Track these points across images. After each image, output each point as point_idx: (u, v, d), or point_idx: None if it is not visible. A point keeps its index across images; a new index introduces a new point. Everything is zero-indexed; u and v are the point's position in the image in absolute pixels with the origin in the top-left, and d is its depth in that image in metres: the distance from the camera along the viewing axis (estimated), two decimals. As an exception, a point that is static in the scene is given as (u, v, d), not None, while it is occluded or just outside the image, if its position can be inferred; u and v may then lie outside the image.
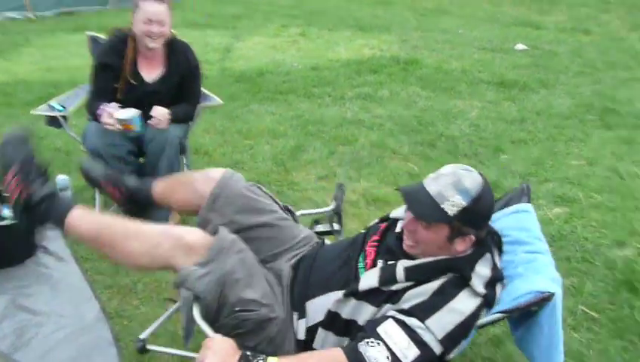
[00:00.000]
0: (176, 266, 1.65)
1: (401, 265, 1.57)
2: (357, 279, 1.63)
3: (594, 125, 4.31)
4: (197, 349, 2.04)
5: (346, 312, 1.60)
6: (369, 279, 1.58)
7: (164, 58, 2.87)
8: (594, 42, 7.25)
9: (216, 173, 1.93)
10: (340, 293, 1.61)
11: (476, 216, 1.53)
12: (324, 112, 4.70)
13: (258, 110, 4.83)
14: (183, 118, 2.91)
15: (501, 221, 1.83)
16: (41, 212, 1.77)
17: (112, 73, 2.79)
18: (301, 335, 1.69)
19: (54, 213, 1.77)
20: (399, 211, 1.82)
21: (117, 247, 1.69)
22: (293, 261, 1.86)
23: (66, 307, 2.39)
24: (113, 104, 2.73)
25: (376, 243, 1.73)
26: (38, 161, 1.83)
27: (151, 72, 2.86)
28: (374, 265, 1.65)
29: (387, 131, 4.25)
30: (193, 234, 1.67)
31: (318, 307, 1.68)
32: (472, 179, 1.52)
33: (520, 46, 6.91)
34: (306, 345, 1.69)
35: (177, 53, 2.88)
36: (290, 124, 4.46)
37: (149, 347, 1.63)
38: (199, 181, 1.92)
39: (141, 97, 2.81)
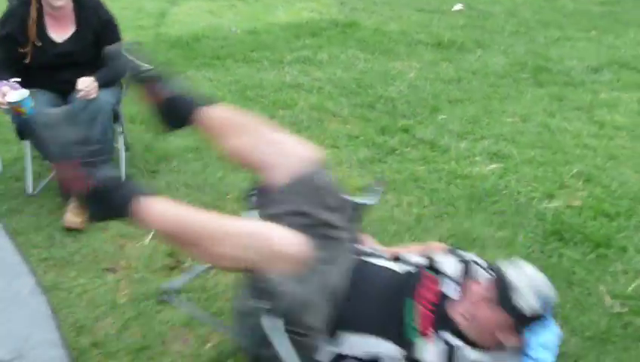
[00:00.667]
0: (261, 272, 1.47)
1: (467, 355, 1.51)
2: (401, 335, 1.55)
3: (527, 83, 4.44)
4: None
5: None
6: (430, 355, 1.51)
7: (74, 16, 2.74)
8: (528, 2, 7.40)
9: (310, 152, 1.73)
10: (387, 344, 1.56)
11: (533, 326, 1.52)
12: (263, 77, 4.64)
13: (195, 76, 4.72)
14: (111, 79, 2.79)
15: None
16: (106, 202, 1.58)
17: (17, 40, 2.65)
18: (324, 358, 1.60)
19: (120, 200, 1.56)
20: (448, 265, 1.72)
21: (201, 248, 1.51)
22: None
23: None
24: (9, 82, 2.57)
25: (431, 307, 1.62)
26: (87, 138, 1.64)
27: (61, 32, 2.73)
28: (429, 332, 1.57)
29: (326, 94, 4.24)
30: (285, 241, 1.46)
31: (354, 343, 1.60)
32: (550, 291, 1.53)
33: (457, 6, 6.98)
34: None
35: (87, 9, 2.76)
36: (229, 90, 4.38)
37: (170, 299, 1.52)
38: (287, 146, 1.73)
39: (54, 60, 2.70)
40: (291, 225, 1.55)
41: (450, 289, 1.66)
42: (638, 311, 2.12)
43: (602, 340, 2.00)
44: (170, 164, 3.27)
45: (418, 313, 1.61)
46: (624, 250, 2.45)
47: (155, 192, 1.60)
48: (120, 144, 3.15)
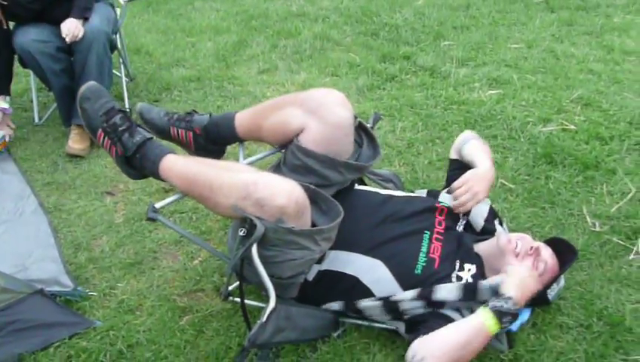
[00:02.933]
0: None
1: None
2: (410, 271, 1.66)
3: (538, 8, 4.30)
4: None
5: (370, 282, 1.68)
6: (449, 293, 1.61)
7: None
8: None
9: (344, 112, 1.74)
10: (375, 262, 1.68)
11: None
12: (269, 6, 4.60)
13: (202, 7, 4.71)
14: (88, 4, 2.76)
15: None
16: (137, 162, 1.71)
17: None
18: (311, 276, 1.71)
19: (148, 163, 1.69)
20: (477, 213, 1.86)
21: (205, 201, 1.62)
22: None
23: (7, 204, 2.46)
24: None
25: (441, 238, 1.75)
26: (118, 109, 1.73)
27: None
28: (447, 266, 1.69)
29: (331, 23, 4.20)
30: (283, 197, 1.48)
31: (342, 261, 1.70)
32: None
33: None
34: (311, 287, 1.71)
35: None
36: (235, 20, 4.37)
37: (160, 218, 1.62)
38: (305, 103, 1.75)
39: (29, 6, 2.70)
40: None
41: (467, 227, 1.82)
42: (619, 230, 2.14)
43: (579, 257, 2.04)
44: (172, 94, 3.33)
45: (430, 243, 1.72)
46: (613, 172, 2.45)
47: (172, 151, 1.71)
48: (122, 73, 3.21)
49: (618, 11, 4.14)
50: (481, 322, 1.49)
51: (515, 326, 1.73)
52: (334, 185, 1.78)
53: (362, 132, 1.87)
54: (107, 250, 2.19)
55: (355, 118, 1.81)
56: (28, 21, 2.74)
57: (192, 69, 3.62)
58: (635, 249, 2.05)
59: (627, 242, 2.09)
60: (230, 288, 1.87)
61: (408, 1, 4.52)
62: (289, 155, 1.78)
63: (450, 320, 1.57)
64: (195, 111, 1.95)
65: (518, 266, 1.63)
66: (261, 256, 1.50)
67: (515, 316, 1.51)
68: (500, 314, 1.49)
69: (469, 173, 1.82)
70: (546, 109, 2.93)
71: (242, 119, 1.87)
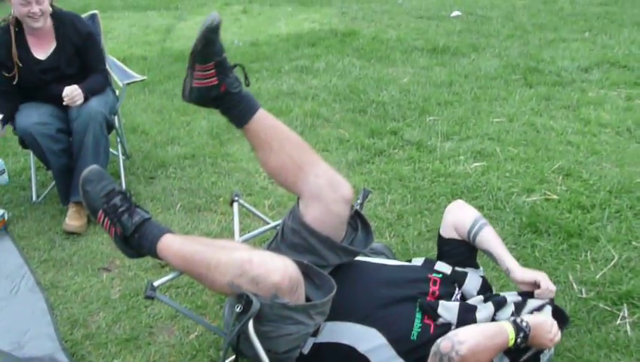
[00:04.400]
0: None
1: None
2: (405, 337, 1.70)
3: (517, 84, 4.52)
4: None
5: (366, 351, 1.71)
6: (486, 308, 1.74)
7: (54, 32, 2.90)
8: (526, 5, 7.48)
9: (346, 193, 1.81)
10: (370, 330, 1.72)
11: None
12: (261, 86, 4.79)
13: (196, 87, 4.89)
14: (95, 87, 2.94)
15: None
16: (136, 242, 1.76)
17: (5, 66, 2.82)
18: (306, 349, 1.74)
19: (146, 243, 1.74)
20: (471, 285, 1.91)
21: (202, 279, 1.67)
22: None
23: (3, 282, 2.49)
24: None
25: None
26: (118, 191, 1.79)
27: (43, 50, 2.89)
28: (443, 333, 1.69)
29: (321, 101, 4.38)
30: (277, 274, 1.53)
31: (337, 331, 1.74)
32: None
33: (455, 13, 7.09)
34: (306, 361, 1.73)
35: (65, 25, 2.91)
36: (227, 99, 4.54)
37: (159, 296, 1.66)
38: (326, 186, 1.80)
39: (41, 76, 2.88)
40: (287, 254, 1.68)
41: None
42: (604, 296, 2.20)
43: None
44: (167, 171, 3.42)
45: (423, 315, 1.76)
46: (596, 239, 2.53)
47: (169, 230, 1.76)
48: (119, 151, 3.32)
49: (592, 86, 4.36)
50: (503, 325, 1.57)
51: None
52: (330, 266, 1.84)
53: (357, 217, 1.95)
54: (103, 325, 2.21)
55: (352, 206, 1.89)
56: (32, 92, 2.89)
57: (186, 146, 3.74)
58: (621, 314, 2.11)
59: (613, 308, 2.14)
60: (227, 362, 1.89)
61: (394, 79, 4.74)
62: (289, 233, 1.85)
63: None
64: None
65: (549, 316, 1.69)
66: (257, 331, 1.53)
67: (526, 337, 1.57)
68: (517, 327, 1.57)
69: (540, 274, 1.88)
70: (529, 180, 3.05)
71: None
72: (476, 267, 2.05)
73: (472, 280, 1.92)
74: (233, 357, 1.88)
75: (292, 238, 1.83)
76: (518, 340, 1.56)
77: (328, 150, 3.58)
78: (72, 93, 2.76)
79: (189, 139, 3.86)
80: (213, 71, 1.76)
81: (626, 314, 2.11)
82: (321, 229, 1.79)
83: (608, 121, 3.73)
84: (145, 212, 1.80)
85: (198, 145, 3.74)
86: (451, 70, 4.94)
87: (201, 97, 1.79)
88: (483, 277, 2.00)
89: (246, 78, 1.85)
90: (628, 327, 2.05)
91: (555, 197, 2.87)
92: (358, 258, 2.03)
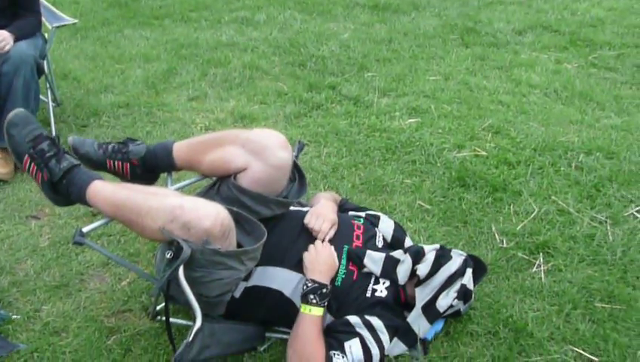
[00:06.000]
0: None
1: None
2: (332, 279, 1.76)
3: (455, 44, 4.61)
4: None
5: (292, 295, 1.76)
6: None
7: None
8: (468, -33, 7.54)
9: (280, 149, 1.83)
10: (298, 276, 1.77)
11: None
12: (200, 36, 4.68)
13: (132, 35, 4.74)
14: (27, 30, 2.80)
15: None
16: (64, 189, 1.72)
17: None
18: (238, 293, 1.78)
19: (75, 189, 1.71)
20: (386, 226, 2.01)
21: (132, 225, 1.65)
22: None
23: None
24: None
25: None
26: (46, 136, 1.74)
27: None
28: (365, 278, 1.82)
29: (260, 53, 4.33)
30: (209, 220, 1.55)
31: (267, 276, 1.78)
32: None
33: (399, -30, 7.06)
34: (237, 303, 1.77)
35: None
36: (164, 48, 4.42)
37: (87, 242, 1.63)
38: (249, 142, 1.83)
39: None
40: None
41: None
42: (523, 246, 2.34)
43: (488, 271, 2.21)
44: (100, 119, 3.33)
45: (348, 262, 1.83)
46: (519, 193, 2.66)
47: (99, 177, 1.74)
48: (48, 98, 3.19)
49: (525, 48, 4.49)
50: (301, 313, 1.70)
51: (429, 335, 1.86)
52: (263, 217, 1.86)
53: (295, 169, 1.98)
54: (32, 273, 2.18)
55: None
56: None
57: (120, 95, 3.64)
58: (537, 262, 2.25)
59: (530, 257, 2.28)
60: (158, 308, 1.90)
61: (334, 34, 4.73)
62: (224, 188, 1.87)
63: None
64: (130, 139, 1.97)
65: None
66: (188, 277, 1.55)
67: (315, 292, 1.69)
68: (304, 298, 1.70)
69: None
70: (460, 136, 3.15)
71: (180, 151, 1.92)
72: None
73: (385, 222, 2.01)
74: (163, 303, 1.90)
75: (227, 192, 1.85)
76: (315, 300, 1.68)
77: (266, 103, 3.57)
78: (2, 37, 2.61)
79: (124, 87, 3.75)
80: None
81: (541, 263, 2.25)
82: (262, 186, 1.82)
83: (538, 82, 3.87)
84: (74, 158, 1.77)
85: (133, 94, 3.64)
86: (391, 27, 4.96)
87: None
88: (395, 221, 2.09)
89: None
90: (542, 274, 2.19)
91: (483, 153, 2.98)
92: (290, 207, 2.07)
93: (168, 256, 1.55)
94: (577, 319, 2.00)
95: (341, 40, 4.59)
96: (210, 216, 1.56)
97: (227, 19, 5.12)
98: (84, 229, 1.67)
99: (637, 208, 2.57)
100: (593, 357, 1.85)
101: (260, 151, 1.81)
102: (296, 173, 1.99)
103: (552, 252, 2.31)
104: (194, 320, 1.58)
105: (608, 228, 2.45)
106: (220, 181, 1.91)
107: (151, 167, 1.93)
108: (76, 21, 3.32)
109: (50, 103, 3.19)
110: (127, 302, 2.05)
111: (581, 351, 1.87)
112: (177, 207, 1.56)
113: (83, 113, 3.39)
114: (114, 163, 1.91)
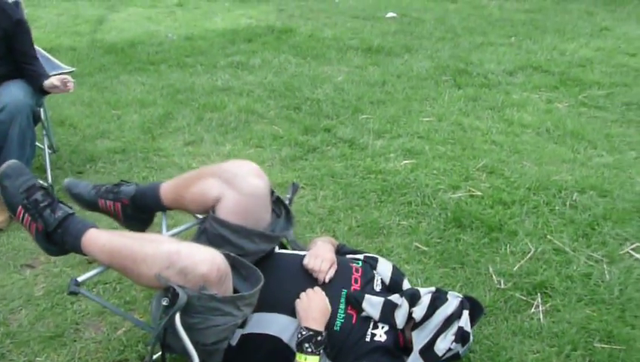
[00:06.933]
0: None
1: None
2: (329, 328, 1.74)
3: (447, 85, 4.69)
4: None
5: (290, 341, 1.74)
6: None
7: None
8: (458, 10, 7.74)
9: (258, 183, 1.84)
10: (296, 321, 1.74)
11: None
12: (195, 81, 4.75)
13: (128, 81, 4.80)
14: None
15: None
16: (59, 238, 1.72)
17: None
18: (234, 341, 1.76)
19: (70, 238, 1.71)
20: (384, 268, 2.00)
21: (128, 273, 1.64)
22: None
23: None
24: None
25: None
26: (39, 186, 1.75)
27: None
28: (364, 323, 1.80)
29: (256, 97, 4.39)
30: (205, 265, 1.54)
31: (264, 322, 1.77)
32: None
33: (390, 14, 7.25)
34: (234, 352, 1.75)
35: None
36: (160, 94, 4.48)
37: (82, 292, 1.62)
38: (226, 173, 1.84)
39: None
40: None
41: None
42: (521, 286, 2.33)
43: (486, 312, 2.20)
44: (96, 165, 3.35)
45: (347, 306, 1.81)
46: (515, 233, 2.67)
47: (94, 225, 1.74)
48: (45, 145, 3.21)
49: (516, 89, 4.57)
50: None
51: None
52: (250, 254, 1.84)
53: (281, 205, 1.99)
54: (26, 323, 2.15)
55: (273, 192, 1.93)
56: None
57: (117, 140, 3.67)
58: (535, 303, 2.24)
59: (528, 297, 2.28)
60: (154, 357, 1.88)
61: (329, 77, 4.80)
62: (208, 226, 1.86)
63: None
64: (123, 181, 2.01)
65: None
66: (185, 324, 1.54)
67: (310, 340, 1.66)
68: (299, 347, 1.67)
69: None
70: (455, 177, 3.18)
71: (167, 189, 1.95)
72: None
73: (383, 264, 2.01)
74: (160, 352, 1.88)
75: (210, 230, 1.84)
76: (310, 348, 1.65)
77: (262, 146, 3.60)
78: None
79: (120, 133, 3.78)
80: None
81: (539, 303, 2.24)
82: (240, 217, 1.81)
83: (529, 122, 3.92)
84: (68, 207, 1.77)
85: (129, 139, 3.67)
86: (385, 70, 5.05)
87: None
88: (393, 264, 2.09)
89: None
90: (541, 315, 2.18)
91: (478, 193, 3.00)
92: (287, 251, 2.07)
93: (164, 302, 1.54)
94: (577, 360, 1.98)
95: (335, 83, 4.67)
96: (206, 261, 1.55)
97: (222, 64, 5.21)
98: (80, 279, 1.66)
99: (632, 246, 2.58)
100: (595, 401, 1.83)
101: (232, 180, 1.82)
102: (283, 208, 1.99)
103: (549, 292, 2.30)
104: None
105: (605, 266, 2.45)
106: (204, 221, 1.91)
107: (141, 207, 1.94)
108: (73, 69, 3.37)
109: (47, 150, 3.21)
110: (123, 351, 2.02)
111: (583, 394, 1.85)
112: (174, 252, 1.56)
113: (79, 159, 3.41)
114: (106, 203, 1.94)
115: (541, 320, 2.16)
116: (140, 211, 1.95)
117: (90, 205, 1.95)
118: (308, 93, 4.42)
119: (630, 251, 2.54)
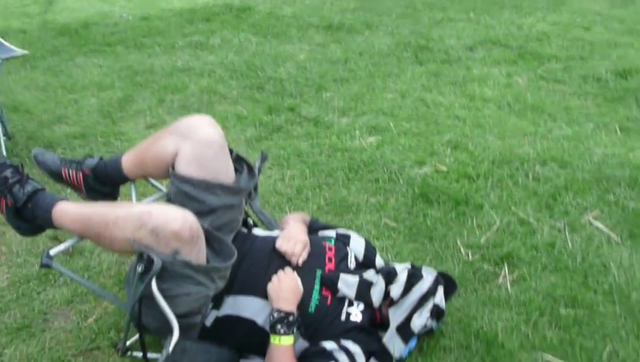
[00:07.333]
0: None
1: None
2: (304, 311, 1.75)
3: (409, 61, 4.70)
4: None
5: (265, 323, 1.74)
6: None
7: None
8: (416, -14, 7.73)
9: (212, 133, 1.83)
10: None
11: None
12: (154, 62, 4.65)
13: (84, 63, 4.66)
14: None
15: None
16: (29, 213, 1.69)
17: None
18: (209, 322, 1.76)
19: (41, 212, 1.68)
20: (357, 244, 2.01)
21: (102, 239, 1.62)
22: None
23: None
24: None
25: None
26: (9, 165, 1.72)
27: None
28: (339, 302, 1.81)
29: (217, 77, 4.32)
30: (177, 223, 1.53)
31: (239, 305, 1.77)
32: None
33: (349, -9, 7.19)
34: (208, 334, 1.75)
35: None
36: (118, 76, 4.37)
37: (54, 266, 1.59)
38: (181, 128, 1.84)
39: None
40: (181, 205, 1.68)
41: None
42: (488, 258, 2.39)
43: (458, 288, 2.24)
44: (56, 151, 3.25)
45: (322, 286, 1.82)
46: (480, 207, 2.72)
47: (65, 198, 1.72)
48: (-1, 132, 3.11)
49: (477, 64, 4.62)
50: (271, 344, 1.68)
51: (405, 354, 1.87)
52: (215, 210, 1.81)
53: (243, 162, 1.98)
54: (-10, 316, 2.09)
55: (232, 150, 1.93)
56: None
57: (75, 125, 3.57)
58: (502, 273, 2.29)
59: (496, 268, 2.33)
60: (128, 343, 1.86)
61: (290, 56, 4.76)
62: (171, 186, 1.85)
63: None
64: (89, 156, 1.99)
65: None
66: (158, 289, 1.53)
67: (281, 321, 1.68)
68: (272, 328, 1.68)
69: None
70: (421, 153, 3.21)
71: (128, 158, 1.94)
72: None
73: (356, 240, 2.03)
74: (135, 337, 1.86)
75: (172, 190, 1.83)
76: (282, 329, 1.67)
77: (226, 127, 3.55)
78: None
79: (78, 117, 3.67)
80: None
81: (506, 273, 2.30)
82: (197, 168, 1.79)
83: (491, 96, 3.98)
84: (38, 184, 1.73)
85: (89, 124, 3.57)
86: (346, 47, 5.04)
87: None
88: (365, 239, 2.11)
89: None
90: (508, 285, 2.24)
91: (444, 168, 3.04)
92: (264, 232, 2.05)
93: (139, 269, 1.52)
94: (544, 326, 2.04)
95: (297, 61, 4.63)
96: (177, 219, 1.54)
97: (181, 44, 5.10)
98: (52, 251, 1.63)
99: (592, 214, 2.66)
100: (563, 363, 1.90)
101: (187, 132, 1.82)
102: (245, 165, 1.98)
103: (515, 262, 2.36)
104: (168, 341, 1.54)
105: (567, 235, 2.53)
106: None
107: (102, 178, 1.92)
108: (26, 52, 3.25)
109: (1, 137, 3.10)
110: (94, 339, 1.98)
111: (551, 358, 1.91)
112: (145, 213, 1.55)
113: (37, 146, 3.29)
114: (68, 171, 1.92)
115: (509, 289, 2.22)
116: (101, 183, 1.93)
117: (54, 174, 1.93)
118: (270, 72, 4.37)
119: (590, 219, 2.63)
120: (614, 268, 2.31)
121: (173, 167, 1.83)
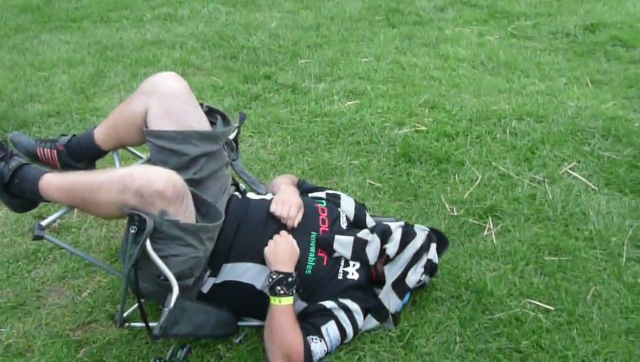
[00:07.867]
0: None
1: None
2: (301, 273, 1.77)
3: (381, 25, 4.69)
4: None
5: (264, 286, 1.77)
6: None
7: None
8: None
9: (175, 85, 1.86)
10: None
11: None
12: (123, 36, 4.55)
13: (50, 40, 4.54)
14: None
15: None
16: (17, 188, 1.69)
17: None
18: (206, 289, 1.79)
19: (28, 185, 1.67)
20: (347, 205, 2.03)
21: (88, 205, 1.62)
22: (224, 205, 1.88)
23: None
24: None
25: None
26: None
27: None
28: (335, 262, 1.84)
29: (189, 49, 4.26)
30: (160, 182, 1.54)
31: (237, 271, 1.79)
32: None
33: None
34: (205, 299, 1.78)
35: None
36: (88, 51, 4.27)
37: (47, 237, 1.60)
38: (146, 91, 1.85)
39: None
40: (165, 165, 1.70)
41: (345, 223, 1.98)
42: (472, 212, 2.45)
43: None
44: (31, 131, 3.19)
45: (317, 249, 1.85)
46: (462, 163, 2.78)
47: (50, 171, 1.72)
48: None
49: (449, 24, 4.64)
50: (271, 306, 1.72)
51: (399, 307, 1.92)
52: (196, 159, 1.83)
53: (216, 113, 1.99)
54: (-17, 296, 2.08)
55: (202, 104, 1.95)
56: None
57: (49, 103, 3.49)
58: (487, 226, 2.36)
59: (480, 221, 2.39)
60: (125, 314, 1.87)
61: (262, 24, 4.71)
62: (150, 148, 1.86)
63: None
64: (64, 135, 1.98)
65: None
66: (145, 253, 1.54)
67: (281, 283, 1.71)
68: (271, 290, 1.72)
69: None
70: (399, 114, 3.24)
71: (100, 132, 1.94)
72: None
73: (346, 201, 2.06)
74: (132, 308, 1.87)
75: (151, 150, 1.84)
76: (282, 290, 1.70)
77: (203, 98, 3.52)
78: None
79: (51, 95, 3.60)
80: None
81: (491, 226, 2.36)
82: (167, 121, 1.81)
83: (464, 56, 4.01)
84: (22, 159, 1.73)
85: (62, 101, 3.50)
86: (317, 13, 4.99)
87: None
88: (354, 199, 2.14)
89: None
90: (494, 236, 2.31)
91: (423, 128, 3.08)
92: (257, 196, 2.06)
93: (132, 230, 1.54)
94: (530, 274, 2.12)
95: (269, 29, 4.58)
96: (161, 178, 1.56)
97: (149, 17, 5.00)
98: (43, 223, 1.64)
99: (569, 166, 2.74)
100: (549, 307, 1.97)
101: (151, 89, 1.85)
102: (218, 115, 2.00)
103: (499, 214, 2.43)
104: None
105: (547, 186, 2.60)
106: None
107: (76, 153, 1.93)
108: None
109: (-26, 118, 3.03)
110: (91, 313, 1.99)
111: (537, 303, 1.99)
112: (127, 175, 1.56)
113: (10, 126, 3.23)
114: (43, 150, 1.92)
115: (494, 241, 2.28)
116: (75, 159, 1.93)
117: (30, 154, 1.93)
118: (243, 41, 4.33)
119: (568, 170, 2.70)
120: (593, 216, 2.39)
121: (146, 126, 1.84)
